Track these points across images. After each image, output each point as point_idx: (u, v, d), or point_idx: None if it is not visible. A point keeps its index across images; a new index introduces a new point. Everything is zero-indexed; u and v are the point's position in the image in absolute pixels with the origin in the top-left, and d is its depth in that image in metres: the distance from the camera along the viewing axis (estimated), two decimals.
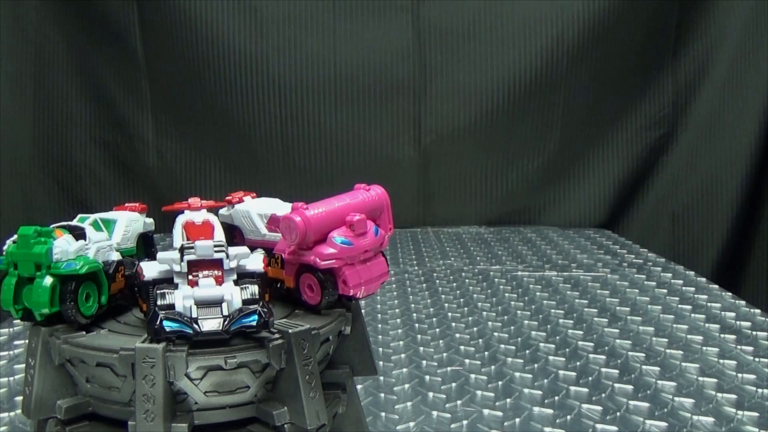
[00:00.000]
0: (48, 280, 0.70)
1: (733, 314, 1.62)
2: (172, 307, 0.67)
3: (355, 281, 0.77)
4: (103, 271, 0.76)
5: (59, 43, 2.71)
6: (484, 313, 1.67)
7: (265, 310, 0.69)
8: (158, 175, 2.77)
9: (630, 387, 1.24)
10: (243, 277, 0.71)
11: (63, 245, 0.72)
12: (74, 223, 0.80)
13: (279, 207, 0.87)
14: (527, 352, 1.41)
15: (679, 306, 1.70)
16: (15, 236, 0.72)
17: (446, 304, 1.74)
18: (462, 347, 1.44)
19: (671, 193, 2.78)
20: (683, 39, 2.72)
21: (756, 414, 1.13)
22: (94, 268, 0.73)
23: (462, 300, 1.77)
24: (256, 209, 0.88)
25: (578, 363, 1.35)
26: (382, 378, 1.28)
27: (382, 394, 1.22)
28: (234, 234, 0.89)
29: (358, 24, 2.65)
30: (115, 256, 0.80)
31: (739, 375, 1.28)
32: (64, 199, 2.76)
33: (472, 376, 1.30)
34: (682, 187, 2.76)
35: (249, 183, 2.68)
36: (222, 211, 0.91)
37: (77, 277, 0.71)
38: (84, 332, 0.73)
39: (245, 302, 0.69)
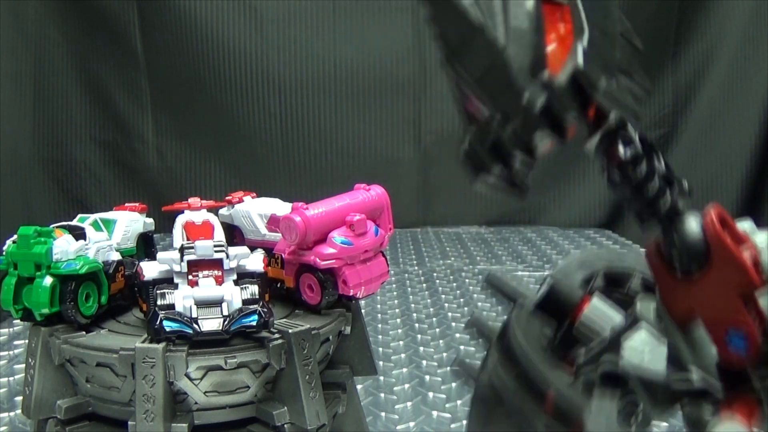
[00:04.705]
0: (48, 280, 0.70)
1: None
2: (172, 307, 0.67)
3: (355, 281, 0.77)
4: (103, 271, 0.76)
5: (59, 43, 2.71)
6: (485, 313, 1.66)
7: (265, 310, 0.69)
8: (158, 175, 2.76)
9: None
10: (243, 277, 0.71)
11: (63, 245, 0.72)
12: (74, 223, 0.80)
13: (279, 207, 0.87)
14: None
15: None
16: (15, 236, 0.72)
17: (446, 304, 1.74)
18: (462, 347, 1.44)
19: None
20: (683, 39, 2.71)
21: None
22: (94, 268, 0.73)
23: (462, 300, 1.77)
24: (256, 209, 0.88)
25: None
26: (382, 378, 1.28)
27: (382, 394, 1.22)
28: (234, 234, 0.89)
29: (358, 24, 2.65)
30: (115, 256, 0.80)
31: None
32: (64, 199, 2.75)
33: None
34: None
35: (249, 183, 2.67)
36: (222, 211, 0.91)
37: (77, 277, 0.71)
38: (84, 332, 0.73)
39: (245, 302, 0.69)
